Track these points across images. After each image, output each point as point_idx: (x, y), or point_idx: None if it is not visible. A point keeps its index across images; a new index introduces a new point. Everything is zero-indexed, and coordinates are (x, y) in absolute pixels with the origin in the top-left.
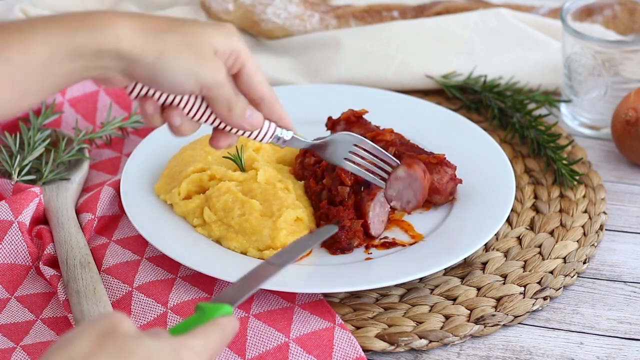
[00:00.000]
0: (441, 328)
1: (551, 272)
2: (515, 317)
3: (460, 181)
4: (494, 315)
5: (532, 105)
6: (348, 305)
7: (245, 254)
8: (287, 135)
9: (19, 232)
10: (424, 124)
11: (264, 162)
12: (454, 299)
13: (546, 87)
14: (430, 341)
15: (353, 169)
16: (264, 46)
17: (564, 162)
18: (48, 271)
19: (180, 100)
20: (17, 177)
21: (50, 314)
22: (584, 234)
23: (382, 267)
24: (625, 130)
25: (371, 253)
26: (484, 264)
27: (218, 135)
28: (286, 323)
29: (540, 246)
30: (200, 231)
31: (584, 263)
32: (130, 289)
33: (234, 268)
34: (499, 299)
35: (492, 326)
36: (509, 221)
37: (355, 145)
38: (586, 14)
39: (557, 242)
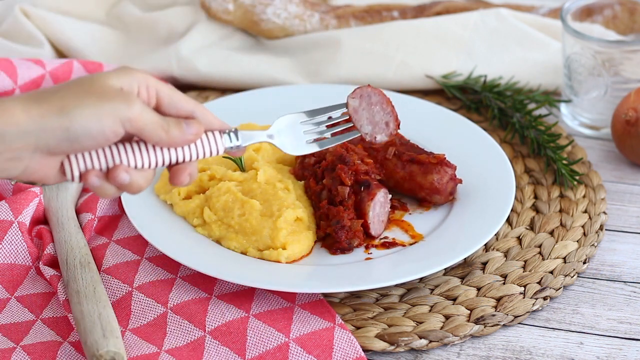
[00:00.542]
0: (441, 328)
1: (551, 272)
2: (515, 317)
3: (460, 181)
4: (494, 315)
5: (532, 105)
6: (348, 305)
7: (245, 254)
8: (234, 134)
9: (19, 232)
10: (424, 124)
11: (264, 162)
12: (454, 299)
13: (546, 87)
14: (430, 341)
15: (324, 147)
16: (264, 46)
17: (564, 162)
18: (48, 271)
19: (119, 153)
20: None
21: (50, 314)
22: (584, 234)
23: (382, 267)
24: (625, 130)
25: (371, 253)
26: (484, 264)
27: (174, 171)
28: (286, 323)
29: (540, 246)
30: (200, 231)
31: (584, 263)
32: (130, 289)
33: (234, 268)
34: (499, 299)
35: (492, 326)
36: (509, 221)
37: (302, 123)
38: (586, 14)
39: (557, 242)
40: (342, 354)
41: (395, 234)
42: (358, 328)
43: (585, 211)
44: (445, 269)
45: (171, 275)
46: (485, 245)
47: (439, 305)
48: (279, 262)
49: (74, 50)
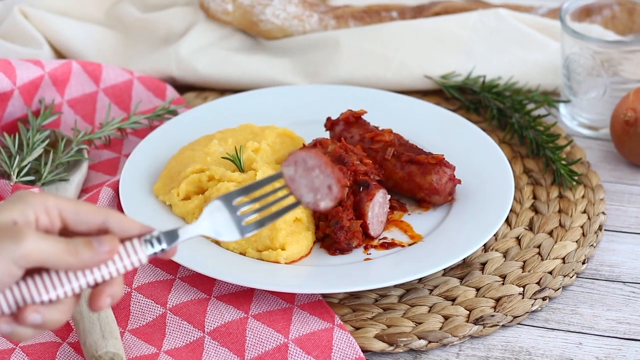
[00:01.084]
0: (440, 328)
1: (550, 273)
2: (514, 317)
3: (459, 181)
4: (493, 315)
5: (531, 106)
6: (347, 306)
7: (244, 254)
8: (156, 239)
9: None
10: (423, 124)
11: (263, 162)
12: (453, 300)
13: (545, 88)
14: (430, 342)
15: (264, 225)
16: (262, 47)
17: (563, 162)
18: None
19: (27, 290)
20: (16, 178)
21: None
22: (583, 234)
23: (381, 267)
24: (624, 131)
25: (370, 253)
26: (483, 264)
27: (94, 294)
28: (285, 324)
29: (539, 246)
30: None
31: (583, 263)
32: (130, 289)
33: (233, 269)
34: (498, 300)
35: (491, 326)
36: (508, 221)
37: (235, 204)
38: (585, 14)
39: (556, 242)
40: (341, 354)
41: (394, 234)
42: (357, 328)
43: (584, 211)
44: (444, 269)
45: (170, 276)
46: (484, 245)
47: (438, 305)
48: (278, 262)
49: (73, 51)
